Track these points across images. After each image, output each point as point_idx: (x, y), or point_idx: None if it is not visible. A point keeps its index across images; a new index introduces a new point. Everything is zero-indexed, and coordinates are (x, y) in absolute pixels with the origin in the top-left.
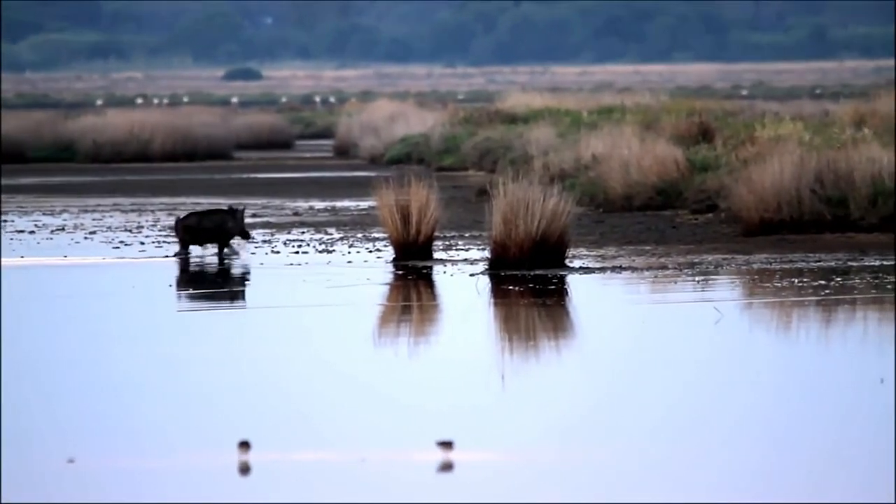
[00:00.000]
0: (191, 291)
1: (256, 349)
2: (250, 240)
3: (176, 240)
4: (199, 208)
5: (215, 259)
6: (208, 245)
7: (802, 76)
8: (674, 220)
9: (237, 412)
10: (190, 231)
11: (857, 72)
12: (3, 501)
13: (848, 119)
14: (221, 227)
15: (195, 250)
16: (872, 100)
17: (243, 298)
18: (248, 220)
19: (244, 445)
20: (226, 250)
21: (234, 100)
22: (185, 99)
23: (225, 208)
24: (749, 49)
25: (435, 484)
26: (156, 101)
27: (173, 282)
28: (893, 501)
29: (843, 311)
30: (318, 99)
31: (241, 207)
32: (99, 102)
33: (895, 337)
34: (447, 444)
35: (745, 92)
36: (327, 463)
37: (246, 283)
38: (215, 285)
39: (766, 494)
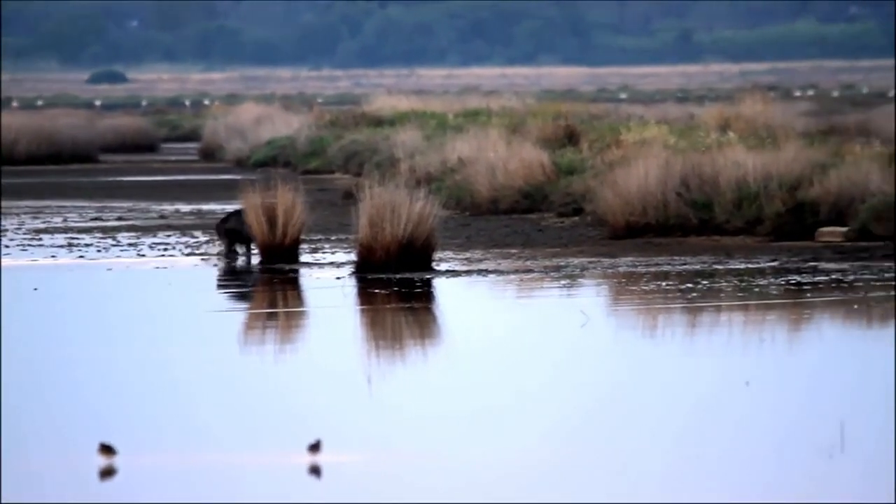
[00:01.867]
0: (57, 295)
1: (121, 352)
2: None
3: (219, 242)
4: (232, 209)
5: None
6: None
7: (668, 79)
8: (540, 223)
9: (102, 415)
10: (231, 233)
11: (722, 75)
12: (3, 501)
13: (713, 123)
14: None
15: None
16: (737, 103)
17: (111, 302)
18: (113, 224)
19: (107, 450)
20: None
21: (98, 102)
22: (40, 102)
23: None
24: (615, 52)
25: (304, 486)
26: (14, 104)
27: (38, 286)
28: (893, 502)
29: (708, 314)
30: (187, 102)
31: None
32: None
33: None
34: (316, 447)
35: (623, 96)
36: (195, 467)
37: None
38: (80, 290)
39: (631, 495)
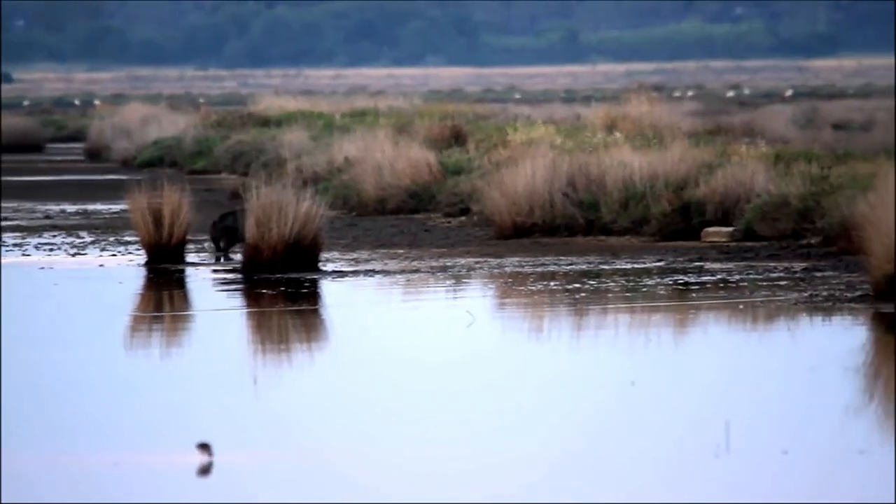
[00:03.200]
0: None
1: (4, 353)
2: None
3: (213, 245)
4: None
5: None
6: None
7: (554, 80)
8: (426, 223)
9: None
10: (228, 232)
11: (608, 75)
12: (3, 501)
13: (599, 123)
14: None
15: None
16: (623, 103)
17: None
18: None
19: None
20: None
21: None
22: None
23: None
24: (501, 52)
25: (193, 486)
26: None
27: None
28: (893, 502)
29: (594, 314)
30: (77, 101)
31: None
32: None
33: None
34: (205, 447)
35: (518, 95)
36: (82, 468)
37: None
38: None
39: (513, 495)
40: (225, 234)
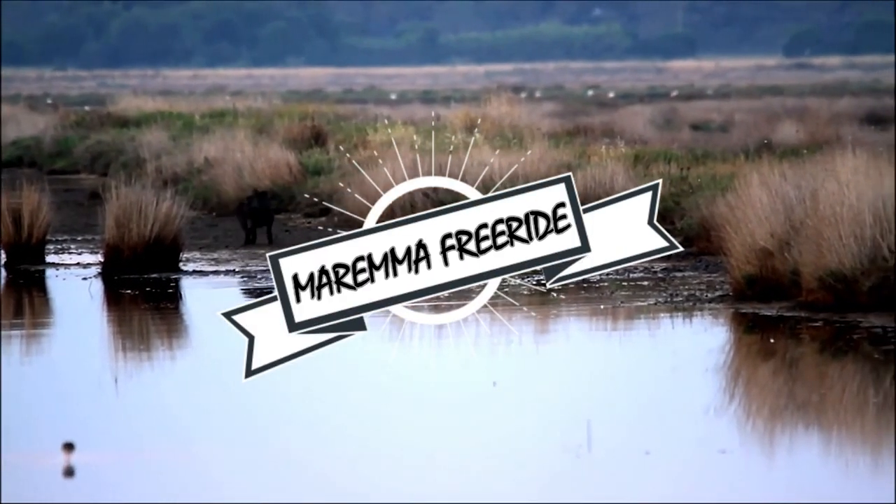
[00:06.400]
0: None
1: None
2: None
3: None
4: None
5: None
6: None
7: (414, 80)
8: (287, 223)
9: None
10: (254, 213)
11: (467, 76)
12: (3, 501)
13: (459, 123)
14: (273, 210)
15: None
16: (483, 104)
17: None
18: None
19: None
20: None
21: None
22: None
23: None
24: (361, 53)
25: (59, 486)
26: None
27: None
28: (893, 502)
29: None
30: None
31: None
32: None
33: None
34: (69, 447)
35: (393, 96)
36: None
37: None
38: None
39: (372, 495)
40: (252, 216)
